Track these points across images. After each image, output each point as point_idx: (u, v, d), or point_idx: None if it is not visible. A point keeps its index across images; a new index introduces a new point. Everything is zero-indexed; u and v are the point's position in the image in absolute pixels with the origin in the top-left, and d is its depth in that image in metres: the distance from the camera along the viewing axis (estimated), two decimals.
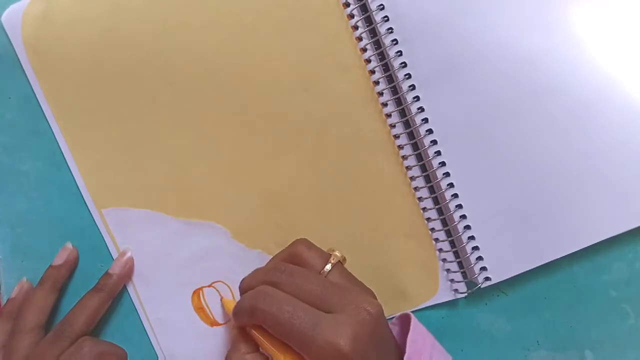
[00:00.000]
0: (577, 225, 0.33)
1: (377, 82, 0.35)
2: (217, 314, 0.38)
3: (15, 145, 0.38)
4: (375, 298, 0.32)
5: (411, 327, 0.31)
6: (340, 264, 0.32)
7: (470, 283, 0.36)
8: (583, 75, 0.33)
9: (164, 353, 0.38)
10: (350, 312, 0.28)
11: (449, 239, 0.35)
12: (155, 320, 0.38)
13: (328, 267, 0.31)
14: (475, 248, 0.35)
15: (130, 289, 0.39)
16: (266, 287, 0.29)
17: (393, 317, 0.35)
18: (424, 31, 0.33)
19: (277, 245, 0.37)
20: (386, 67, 0.34)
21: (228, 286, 0.38)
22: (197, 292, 0.38)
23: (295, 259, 0.32)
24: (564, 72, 0.33)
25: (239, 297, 0.37)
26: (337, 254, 0.32)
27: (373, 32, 0.34)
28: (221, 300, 0.38)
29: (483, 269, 0.35)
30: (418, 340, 0.31)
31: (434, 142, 0.34)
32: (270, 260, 0.34)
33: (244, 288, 0.32)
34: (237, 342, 0.31)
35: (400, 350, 0.30)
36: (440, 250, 0.36)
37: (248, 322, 0.30)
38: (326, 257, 0.32)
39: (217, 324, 0.38)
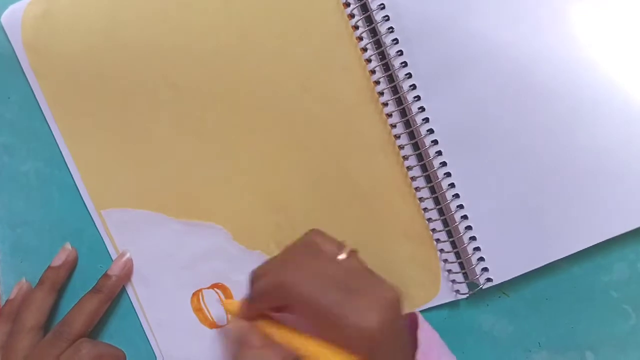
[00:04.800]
0: (578, 226, 0.33)
1: (377, 82, 0.35)
2: (216, 315, 0.38)
3: (15, 145, 0.38)
4: None
5: (419, 323, 0.31)
6: (355, 253, 0.32)
7: (472, 284, 0.35)
8: (583, 74, 0.33)
9: (162, 355, 0.38)
10: (374, 295, 0.27)
11: (450, 239, 0.35)
12: (154, 322, 0.38)
13: (343, 255, 0.31)
14: (477, 249, 0.35)
15: (129, 290, 0.38)
16: (293, 264, 0.29)
17: None
18: (425, 31, 0.33)
19: (277, 246, 0.37)
20: (387, 67, 0.34)
21: (228, 288, 0.38)
22: (196, 294, 0.38)
23: (311, 247, 0.31)
24: (565, 72, 0.33)
25: (237, 298, 0.37)
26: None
27: (373, 32, 0.34)
28: (223, 302, 0.37)
29: (484, 269, 0.35)
30: (428, 332, 0.31)
31: (435, 142, 0.34)
32: (283, 250, 0.34)
33: (259, 274, 0.30)
34: (248, 337, 0.30)
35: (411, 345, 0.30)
36: (442, 251, 0.36)
37: (269, 303, 0.29)
38: (341, 246, 0.31)
39: (216, 326, 0.38)
